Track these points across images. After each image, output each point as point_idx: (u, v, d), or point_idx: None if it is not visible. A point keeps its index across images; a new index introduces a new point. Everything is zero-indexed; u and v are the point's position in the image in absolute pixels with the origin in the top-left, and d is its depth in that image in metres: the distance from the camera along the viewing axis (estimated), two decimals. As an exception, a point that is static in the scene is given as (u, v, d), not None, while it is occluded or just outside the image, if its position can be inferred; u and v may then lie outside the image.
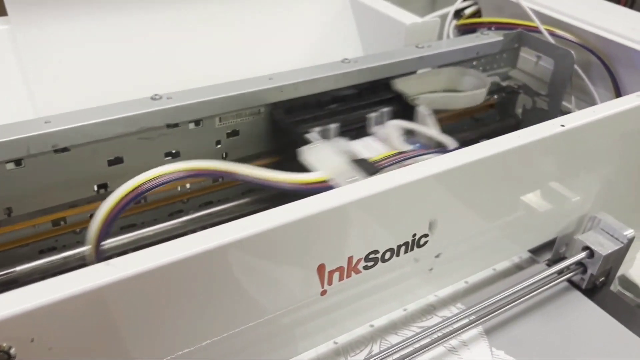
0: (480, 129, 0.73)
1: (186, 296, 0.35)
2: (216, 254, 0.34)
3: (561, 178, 0.53)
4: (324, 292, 0.42)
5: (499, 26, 0.72)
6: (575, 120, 0.49)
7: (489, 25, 0.73)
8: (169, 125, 0.51)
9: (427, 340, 0.45)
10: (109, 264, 0.32)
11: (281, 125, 0.55)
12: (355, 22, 0.72)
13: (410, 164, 0.44)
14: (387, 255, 0.43)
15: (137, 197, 0.41)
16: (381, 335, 0.49)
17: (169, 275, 0.33)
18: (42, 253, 0.51)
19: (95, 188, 0.51)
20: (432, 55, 0.62)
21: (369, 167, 0.46)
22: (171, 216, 0.56)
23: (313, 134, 0.54)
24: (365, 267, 0.43)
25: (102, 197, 0.51)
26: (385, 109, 0.59)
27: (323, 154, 0.48)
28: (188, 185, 0.56)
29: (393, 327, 0.50)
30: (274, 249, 0.37)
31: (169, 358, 0.37)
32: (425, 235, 0.45)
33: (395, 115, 0.58)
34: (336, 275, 0.41)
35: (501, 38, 0.67)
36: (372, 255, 0.42)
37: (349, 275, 0.42)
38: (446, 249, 0.47)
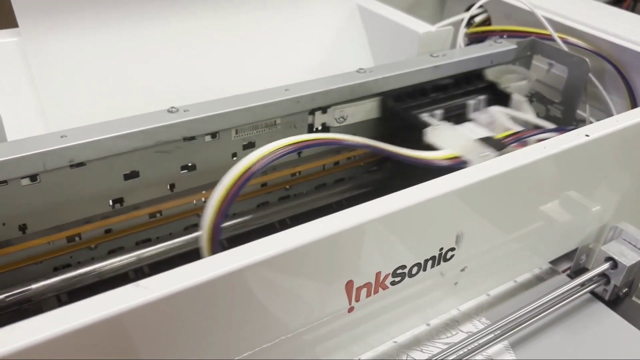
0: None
1: (214, 316, 0.34)
2: (248, 272, 0.33)
3: (583, 188, 0.52)
4: (351, 309, 0.41)
5: (511, 34, 0.71)
6: (599, 130, 0.48)
7: (500, 33, 0.72)
8: (185, 139, 0.50)
9: (453, 356, 0.45)
10: (138, 286, 0.31)
11: (394, 111, 0.59)
12: (365, 30, 0.72)
13: (528, 143, 0.51)
14: (414, 270, 0.43)
15: (251, 177, 0.41)
16: (405, 351, 0.48)
17: (199, 296, 0.32)
18: (57, 270, 0.50)
19: (111, 203, 0.50)
20: (448, 64, 0.61)
21: (497, 144, 0.49)
22: (186, 230, 0.55)
23: (429, 118, 0.58)
24: (393, 283, 0.42)
25: (118, 212, 0.50)
26: (482, 97, 0.63)
27: (448, 134, 0.53)
28: (203, 199, 0.55)
29: (417, 343, 0.49)
30: (304, 266, 0.36)
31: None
32: (452, 249, 0.44)
33: (490, 103, 0.63)
34: (364, 291, 0.40)
35: (515, 46, 0.67)
36: (399, 271, 0.42)
37: (376, 291, 0.41)
38: (471, 262, 0.47)
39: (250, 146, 0.55)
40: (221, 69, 0.65)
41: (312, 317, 0.39)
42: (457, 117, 0.60)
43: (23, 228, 0.47)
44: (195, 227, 0.55)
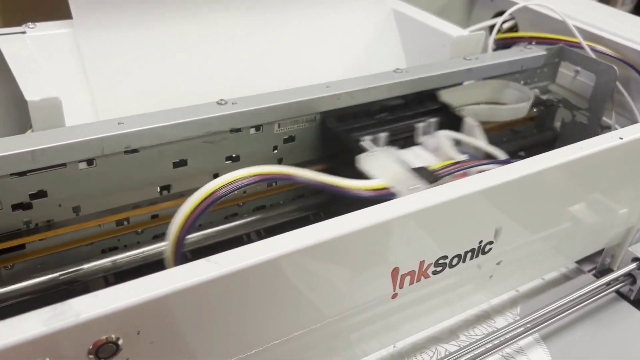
0: (519, 142, 0.74)
1: (275, 293, 0.36)
2: (307, 253, 0.35)
3: (613, 190, 0.54)
4: (394, 295, 0.43)
5: (540, 41, 0.73)
6: (632, 134, 0.50)
7: (528, 40, 0.74)
8: (232, 130, 0.52)
9: (485, 347, 0.46)
10: (209, 261, 0.33)
11: (335, 133, 0.55)
12: (399, 33, 0.74)
13: (468, 174, 0.46)
14: (455, 261, 0.44)
15: (213, 203, 0.41)
16: (438, 342, 0.49)
17: (264, 273, 0.34)
18: (104, 252, 0.52)
19: (159, 189, 0.52)
20: (480, 67, 0.63)
21: (429, 176, 0.47)
22: (227, 219, 0.57)
23: (367, 142, 0.55)
24: (434, 272, 0.44)
25: (165, 199, 0.52)
26: (433, 119, 0.59)
27: (381, 162, 0.49)
28: (244, 191, 0.56)
29: (451, 333, 0.50)
30: (359, 250, 0.38)
31: (241, 357, 0.37)
32: (490, 243, 0.46)
33: (442, 126, 0.60)
34: (407, 279, 0.42)
35: (544, 52, 0.69)
36: (441, 261, 0.43)
37: (418, 280, 0.43)
38: (506, 256, 0.48)
39: (290, 140, 0.57)
40: (261, 67, 0.67)
41: (358, 301, 0.41)
42: (406, 140, 0.58)
43: (77, 210, 0.49)
44: (236, 216, 0.57)
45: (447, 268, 0.44)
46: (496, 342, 0.47)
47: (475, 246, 0.45)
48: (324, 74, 0.70)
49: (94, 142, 0.45)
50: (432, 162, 0.51)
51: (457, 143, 0.57)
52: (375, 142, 0.56)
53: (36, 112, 0.46)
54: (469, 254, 0.45)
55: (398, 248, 0.40)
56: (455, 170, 0.48)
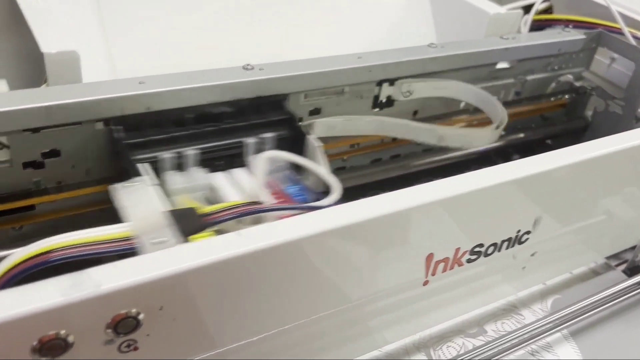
0: (547, 129, 0.71)
1: (305, 272, 0.33)
2: (344, 232, 0.32)
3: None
4: (426, 282, 0.40)
5: (577, 24, 0.70)
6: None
7: (565, 23, 0.70)
8: (256, 98, 0.49)
9: (512, 343, 0.44)
10: (240, 234, 0.30)
11: (118, 146, 0.42)
12: (430, 8, 0.70)
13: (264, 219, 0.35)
14: (491, 249, 0.42)
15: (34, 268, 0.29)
16: (466, 335, 0.47)
17: (297, 251, 0.31)
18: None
19: (175, 156, 0.49)
20: (517, 47, 0.60)
21: (190, 223, 0.33)
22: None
23: (145, 165, 0.40)
24: (469, 260, 0.41)
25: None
26: (269, 135, 0.46)
27: (138, 197, 0.35)
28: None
29: (477, 326, 0.48)
30: (398, 232, 0.35)
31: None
32: (528, 232, 0.43)
33: (283, 144, 0.46)
34: (441, 266, 0.40)
35: (583, 36, 0.66)
36: (477, 249, 0.41)
37: (452, 267, 0.41)
38: (541, 247, 0.46)
39: (315, 112, 0.54)
40: (286, 34, 0.63)
41: (388, 285, 0.39)
42: (232, 158, 0.46)
43: (89, 172, 0.46)
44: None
45: (481, 257, 0.42)
46: (524, 337, 0.45)
47: (513, 235, 0.42)
48: (349, 47, 0.67)
49: (113, 101, 0.42)
50: (248, 190, 0.41)
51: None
52: (181, 161, 0.44)
53: (52, 65, 0.43)
54: (506, 243, 0.42)
55: (435, 233, 0.37)
56: (230, 217, 0.34)
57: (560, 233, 0.47)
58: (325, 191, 0.40)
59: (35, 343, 0.26)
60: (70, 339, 0.26)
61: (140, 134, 0.43)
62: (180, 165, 0.44)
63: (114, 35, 0.53)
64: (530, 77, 0.66)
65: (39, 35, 0.45)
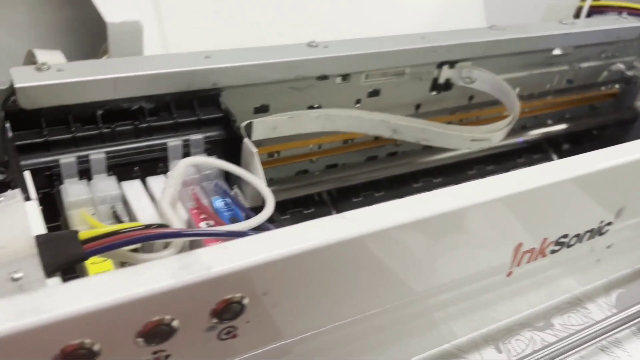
0: (593, 119, 0.69)
1: (401, 258, 0.31)
2: (446, 218, 0.31)
3: None
4: (509, 274, 0.38)
5: (631, 12, 0.68)
6: None
7: (619, 10, 0.68)
8: (319, 77, 0.47)
9: (582, 339, 0.43)
10: (345, 217, 0.28)
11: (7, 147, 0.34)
12: (481, -10, 0.68)
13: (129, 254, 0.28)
14: (573, 240, 0.40)
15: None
16: (533, 329, 0.45)
17: (400, 235, 0.30)
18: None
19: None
20: (578, 33, 0.58)
21: (62, 253, 0.25)
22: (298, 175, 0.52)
23: (26, 173, 0.33)
24: (552, 252, 0.39)
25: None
26: (196, 137, 0.40)
27: (8, 214, 0.27)
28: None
29: (543, 317, 0.46)
30: (495, 219, 0.33)
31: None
32: (609, 224, 0.42)
33: (215, 148, 0.41)
34: (526, 256, 0.38)
35: (640, 24, 0.64)
36: (562, 239, 0.39)
37: (535, 258, 0.39)
38: (618, 238, 0.44)
39: (374, 94, 0.52)
40: (328, 13, 0.61)
41: (477, 274, 0.37)
42: (150, 164, 0.39)
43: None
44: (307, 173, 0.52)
45: (564, 247, 0.40)
46: (594, 334, 0.44)
47: (596, 226, 0.41)
48: (394, 27, 0.64)
49: (181, 75, 0.40)
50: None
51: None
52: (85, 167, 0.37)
53: (115, 36, 0.41)
54: (588, 234, 0.41)
55: (528, 222, 0.36)
56: (106, 247, 0.26)
57: (638, 224, 0.45)
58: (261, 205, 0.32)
59: (141, 328, 0.24)
60: (175, 324, 0.25)
61: (37, 133, 0.36)
62: (83, 172, 0.37)
63: (167, 5, 0.51)
64: (584, 65, 0.64)
65: (101, 4, 0.42)
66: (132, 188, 0.36)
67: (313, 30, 0.57)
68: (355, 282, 0.30)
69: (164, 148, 0.39)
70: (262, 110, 0.46)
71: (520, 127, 0.64)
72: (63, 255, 0.25)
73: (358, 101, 0.51)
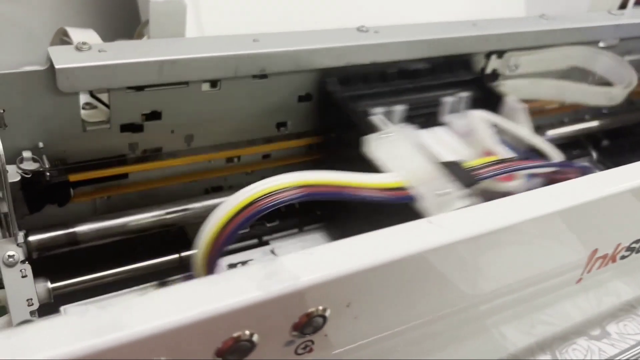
0: (635, 114, 0.67)
1: (486, 263, 0.29)
2: (541, 221, 0.28)
3: None
4: (579, 280, 0.36)
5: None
6: None
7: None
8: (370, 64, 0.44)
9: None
10: (431, 222, 0.25)
11: (336, 99, 0.41)
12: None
13: (514, 177, 0.35)
14: (643, 245, 0.38)
15: (251, 219, 0.29)
16: (589, 337, 0.43)
17: (484, 242, 0.27)
18: (207, 193, 0.44)
19: (275, 125, 0.44)
20: (628, 24, 0.56)
21: (465, 176, 0.33)
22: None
23: (378, 117, 0.41)
24: (622, 257, 0.37)
25: (282, 137, 0.44)
26: (464, 94, 0.46)
27: (399, 149, 0.35)
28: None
29: (598, 325, 0.44)
30: (582, 222, 0.31)
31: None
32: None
33: (475, 104, 0.46)
34: (598, 262, 0.36)
35: (689, 16, 0.61)
36: (633, 245, 0.37)
37: (606, 264, 0.36)
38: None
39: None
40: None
41: (549, 279, 0.34)
42: (427, 117, 0.44)
43: (189, 139, 0.41)
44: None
45: (633, 253, 0.37)
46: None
47: (666, 230, 0.38)
48: (433, 13, 0.61)
49: (229, 59, 0.37)
50: (461, 152, 0.39)
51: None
52: (387, 116, 0.43)
53: (157, 16, 0.38)
54: (658, 239, 0.38)
55: (607, 226, 0.33)
56: (499, 172, 0.34)
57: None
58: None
59: (220, 345, 0.21)
60: (255, 339, 0.22)
61: (352, 88, 0.43)
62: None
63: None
64: (627, 58, 0.61)
65: (142, -19, 0.39)
66: (426, 135, 0.41)
67: (350, 14, 0.54)
68: (433, 286, 0.28)
69: (437, 102, 0.45)
70: (306, 98, 0.43)
71: (559, 122, 0.62)
72: (464, 177, 0.32)
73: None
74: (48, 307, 0.36)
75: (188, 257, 0.42)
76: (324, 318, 0.23)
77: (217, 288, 0.20)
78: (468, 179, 0.32)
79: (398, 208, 0.31)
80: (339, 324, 0.24)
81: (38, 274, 0.35)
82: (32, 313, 0.31)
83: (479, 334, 0.37)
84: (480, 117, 0.41)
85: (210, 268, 0.29)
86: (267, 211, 0.29)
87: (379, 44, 0.43)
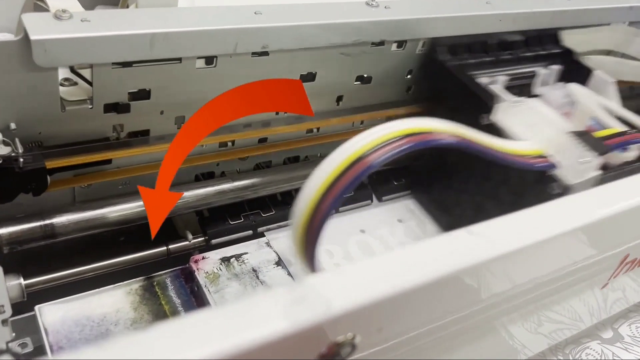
0: (636, 101, 0.64)
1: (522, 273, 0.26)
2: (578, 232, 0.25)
3: None
4: (605, 286, 0.33)
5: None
6: None
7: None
8: (374, 44, 0.41)
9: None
10: (472, 233, 0.22)
11: (449, 68, 0.42)
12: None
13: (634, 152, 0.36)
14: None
15: (362, 175, 0.24)
16: (602, 341, 0.41)
17: (527, 254, 0.24)
18: (198, 180, 0.41)
19: (274, 109, 0.40)
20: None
21: (598, 145, 0.34)
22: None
23: (497, 87, 0.41)
24: (649, 260, 0.34)
25: (280, 122, 0.40)
26: (555, 67, 0.45)
27: (531, 117, 0.38)
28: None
29: (610, 327, 0.42)
30: (623, 227, 0.28)
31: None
32: None
33: (563, 77, 0.46)
34: (625, 268, 0.33)
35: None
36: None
37: (632, 269, 0.34)
38: None
39: (426, 66, 0.46)
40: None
41: (576, 283, 0.32)
42: (520, 89, 0.44)
43: (180, 121, 0.37)
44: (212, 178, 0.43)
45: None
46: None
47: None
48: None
49: (228, 34, 0.33)
50: (563, 124, 0.38)
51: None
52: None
53: (147, -18, 0.34)
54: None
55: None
56: (629, 142, 0.36)
57: None
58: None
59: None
60: (276, 373, 0.19)
61: (460, 57, 0.43)
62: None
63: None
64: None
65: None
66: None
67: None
68: (469, 297, 0.25)
69: (532, 74, 0.44)
70: (309, 78, 0.40)
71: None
72: (597, 146, 0.34)
73: (410, 72, 0.45)
74: (21, 306, 0.32)
75: (177, 249, 0.38)
76: (353, 346, 0.20)
77: (235, 317, 0.17)
78: (601, 147, 0.34)
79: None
80: (368, 350, 0.21)
81: (9, 269, 0.32)
82: (3, 322, 0.27)
83: (494, 335, 0.34)
84: (583, 93, 0.41)
85: (312, 241, 0.23)
86: (380, 165, 0.24)
87: (393, 20, 0.39)
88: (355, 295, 0.18)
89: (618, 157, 0.36)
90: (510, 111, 0.38)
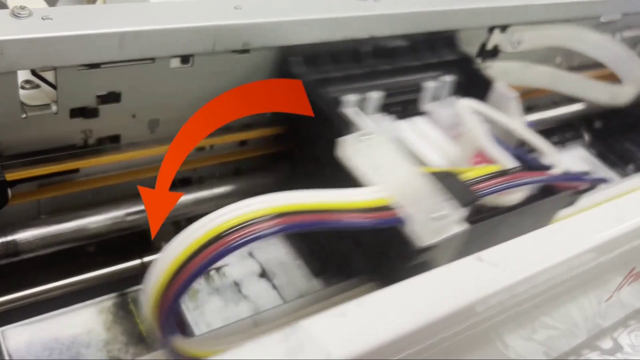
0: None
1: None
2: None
3: None
4: (609, 298, 0.32)
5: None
6: None
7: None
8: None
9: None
10: (482, 260, 0.20)
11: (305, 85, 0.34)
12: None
13: (519, 193, 0.29)
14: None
15: (217, 259, 0.22)
16: (599, 349, 0.40)
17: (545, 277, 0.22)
18: (174, 187, 0.38)
19: (254, 110, 0.37)
20: (635, -1, 0.51)
21: (462, 192, 0.26)
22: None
23: (351, 107, 0.34)
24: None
25: (261, 124, 0.38)
26: (449, 78, 0.40)
27: (380, 154, 0.28)
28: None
29: (609, 336, 0.41)
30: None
31: None
32: None
33: (459, 89, 0.40)
34: (630, 279, 0.31)
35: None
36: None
37: (636, 280, 0.32)
38: None
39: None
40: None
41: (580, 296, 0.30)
42: (404, 105, 0.38)
43: (153, 125, 0.34)
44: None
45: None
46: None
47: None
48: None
49: (206, 31, 0.31)
50: (448, 151, 0.34)
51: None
52: (360, 105, 0.36)
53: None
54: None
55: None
56: (502, 187, 0.28)
57: None
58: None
59: None
60: None
61: (318, 69, 0.35)
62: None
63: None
64: (626, 34, 0.58)
65: None
66: (406, 128, 0.36)
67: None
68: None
69: (418, 87, 0.39)
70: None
71: (552, 102, 0.58)
72: (461, 193, 0.26)
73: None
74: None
75: (152, 262, 0.36)
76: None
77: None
78: (466, 195, 0.26)
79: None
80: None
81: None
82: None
83: (491, 347, 0.32)
84: (469, 107, 0.35)
85: (162, 322, 0.22)
86: (238, 249, 0.21)
87: (382, 15, 0.37)
88: (357, 342, 0.16)
89: (499, 200, 0.29)
90: (360, 146, 0.29)
